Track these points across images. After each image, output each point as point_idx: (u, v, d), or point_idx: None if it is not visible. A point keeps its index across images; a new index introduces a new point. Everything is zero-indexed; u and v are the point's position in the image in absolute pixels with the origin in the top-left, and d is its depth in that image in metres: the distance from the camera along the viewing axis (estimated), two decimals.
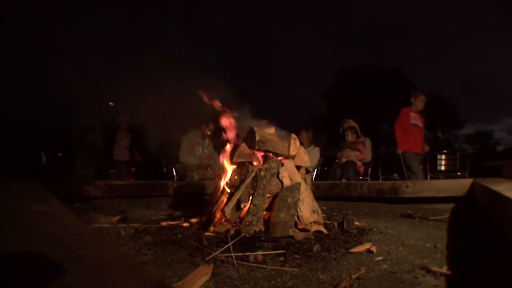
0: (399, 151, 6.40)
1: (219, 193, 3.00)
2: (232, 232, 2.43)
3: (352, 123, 7.16)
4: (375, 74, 22.92)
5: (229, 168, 3.10)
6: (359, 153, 6.82)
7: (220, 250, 2.03)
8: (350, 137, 7.01)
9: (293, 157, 3.01)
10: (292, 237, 2.32)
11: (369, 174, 6.96)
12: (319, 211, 2.90)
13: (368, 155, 6.94)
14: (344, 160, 6.82)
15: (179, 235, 2.53)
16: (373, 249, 2.10)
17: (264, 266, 1.79)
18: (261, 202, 2.59)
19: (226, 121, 3.27)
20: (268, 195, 2.72)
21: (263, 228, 2.48)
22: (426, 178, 6.99)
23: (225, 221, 2.61)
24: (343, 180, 6.15)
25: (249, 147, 2.86)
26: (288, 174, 2.84)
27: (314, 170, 6.91)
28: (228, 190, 2.84)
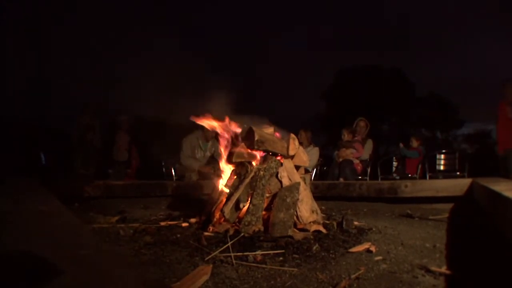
0: (500, 152, 5.74)
1: (218, 193, 3.00)
2: (231, 232, 2.44)
3: (363, 122, 7.18)
4: (375, 74, 22.91)
5: (228, 168, 3.11)
6: (355, 151, 6.83)
7: (219, 250, 2.03)
8: (346, 136, 7.05)
9: (292, 157, 3.01)
10: (291, 237, 2.32)
11: (368, 174, 6.96)
12: (318, 211, 2.90)
13: (365, 154, 6.94)
14: (340, 159, 6.84)
15: (178, 235, 2.53)
16: (372, 249, 2.10)
17: (263, 266, 1.79)
18: (260, 202, 2.59)
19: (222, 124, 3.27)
20: (267, 195, 2.72)
21: (262, 228, 2.48)
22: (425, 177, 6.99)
23: (224, 221, 2.61)
24: (341, 180, 6.16)
25: (248, 146, 2.86)
26: (287, 174, 2.84)
27: (313, 170, 6.91)
28: (227, 190, 2.84)
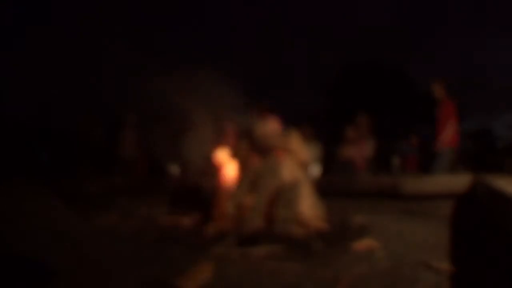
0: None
1: (220, 190, 3.00)
2: (233, 229, 2.43)
3: (364, 119, 7.15)
4: (377, 71, 22.81)
5: (230, 165, 3.10)
6: (359, 149, 6.81)
7: (221, 247, 2.03)
8: (350, 133, 7.01)
9: (293, 153, 3.00)
10: (292, 233, 2.32)
11: (369, 170, 6.94)
12: (320, 208, 2.90)
13: (368, 152, 6.92)
14: (344, 156, 6.82)
15: (180, 233, 2.53)
16: (374, 245, 2.10)
17: (265, 262, 1.79)
18: (262, 199, 2.59)
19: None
20: (269, 191, 2.72)
21: (263, 225, 2.48)
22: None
23: (226, 218, 2.61)
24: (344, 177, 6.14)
25: (250, 143, 2.85)
26: (288, 170, 2.83)
27: (315, 166, 6.90)
28: (229, 187, 2.84)
